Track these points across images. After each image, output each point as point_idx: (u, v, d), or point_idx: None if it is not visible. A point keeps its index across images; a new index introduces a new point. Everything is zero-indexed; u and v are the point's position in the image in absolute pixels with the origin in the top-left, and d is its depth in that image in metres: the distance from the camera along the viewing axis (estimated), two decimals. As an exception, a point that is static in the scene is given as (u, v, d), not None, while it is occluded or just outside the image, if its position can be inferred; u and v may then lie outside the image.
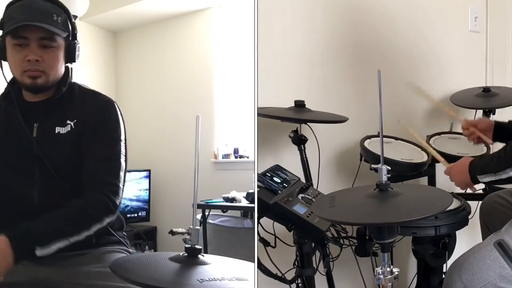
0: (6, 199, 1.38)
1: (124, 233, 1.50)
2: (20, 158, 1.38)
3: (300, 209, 1.45)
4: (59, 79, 1.42)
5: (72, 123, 1.38)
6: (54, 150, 1.37)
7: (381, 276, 1.17)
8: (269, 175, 1.50)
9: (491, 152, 2.02)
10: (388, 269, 1.17)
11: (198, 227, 1.12)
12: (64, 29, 1.38)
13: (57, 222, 1.25)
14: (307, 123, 1.81)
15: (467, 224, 1.65)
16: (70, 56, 1.42)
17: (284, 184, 1.50)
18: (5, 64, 1.41)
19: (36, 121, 1.39)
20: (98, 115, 1.40)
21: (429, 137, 2.05)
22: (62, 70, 1.42)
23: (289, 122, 1.80)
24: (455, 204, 1.66)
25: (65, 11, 1.40)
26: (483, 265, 1.29)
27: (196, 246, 1.10)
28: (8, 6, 1.38)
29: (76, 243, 1.25)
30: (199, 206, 2.89)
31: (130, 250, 1.50)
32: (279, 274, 1.57)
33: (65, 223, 1.25)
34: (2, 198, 1.38)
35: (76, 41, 1.43)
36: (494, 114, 2.23)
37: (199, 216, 2.96)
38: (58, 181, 1.35)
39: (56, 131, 1.38)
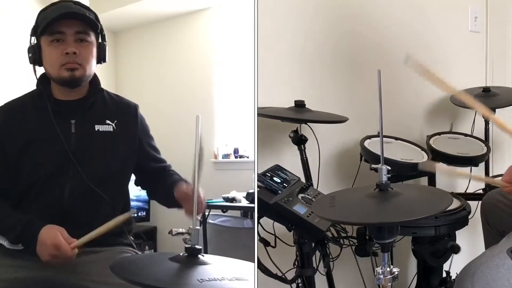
0: (38, 190, 1.42)
1: (131, 237, 1.54)
2: (56, 153, 1.42)
3: (300, 209, 1.45)
4: (92, 80, 1.50)
5: (113, 124, 1.49)
6: (93, 146, 1.45)
7: (381, 276, 1.17)
8: (269, 175, 1.50)
9: (491, 152, 2.02)
10: (388, 269, 1.17)
11: (198, 227, 1.12)
12: (95, 25, 1.46)
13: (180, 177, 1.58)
14: (307, 123, 1.81)
15: (467, 224, 1.65)
16: (102, 56, 1.51)
17: (284, 184, 1.50)
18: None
19: (72, 118, 1.45)
20: (136, 118, 1.56)
21: (429, 137, 2.05)
22: (94, 67, 1.49)
23: (289, 122, 1.80)
24: (455, 204, 1.66)
25: (94, 12, 1.48)
26: (496, 275, 1.27)
27: (196, 246, 1.10)
28: (41, 12, 1.46)
29: (91, 241, 1.36)
30: (199, 206, 2.88)
31: (139, 252, 1.52)
32: (279, 274, 1.57)
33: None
34: (34, 189, 1.42)
35: (105, 42, 1.51)
36: (494, 114, 2.23)
37: (199, 216, 2.95)
38: (89, 178, 1.41)
39: (96, 129, 1.47)
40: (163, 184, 1.56)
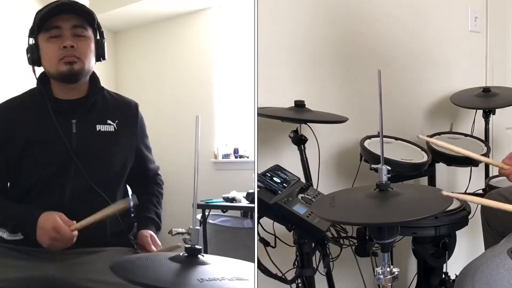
0: (39, 190, 1.42)
1: (131, 236, 1.54)
2: (57, 153, 1.42)
3: (300, 209, 1.45)
4: (91, 78, 1.50)
5: (114, 124, 1.49)
6: (94, 146, 1.45)
7: (381, 276, 1.17)
8: (269, 175, 1.49)
9: (491, 152, 2.02)
10: (388, 269, 1.17)
11: (198, 227, 1.12)
12: (92, 18, 1.47)
13: (157, 208, 1.60)
14: (307, 123, 1.81)
15: (467, 224, 1.65)
16: (101, 52, 1.51)
17: (284, 184, 1.50)
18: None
19: (73, 118, 1.45)
20: (136, 117, 1.57)
21: (429, 137, 2.05)
22: (93, 63, 1.49)
23: (289, 122, 1.80)
24: (455, 204, 1.66)
25: (91, 10, 1.48)
26: (497, 275, 1.27)
27: (196, 246, 1.10)
28: (37, 13, 1.46)
29: (91, 241, 1.40)
30: (199, 206, 2.89)
31: (139, 252, 1.52)
32: (279, 274, 1.57)
33: (160, 207, 1.61)
34: (35, 189, 1.42)
35: (103, 39, 1.52)
36: (494, 114, 2.23)
37: (199, 216, 2.95)
38: (90, 178, 1.42)
39: (98, 129, 1.46)
40: (140, 198, 1.58)
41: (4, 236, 1.43)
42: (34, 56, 1.45)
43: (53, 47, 1.42)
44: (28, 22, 1.50)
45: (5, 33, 3.13)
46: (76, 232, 1.33)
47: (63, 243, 1.32)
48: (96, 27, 1.49)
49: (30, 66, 1.49)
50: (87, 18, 1.45)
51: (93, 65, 1.50)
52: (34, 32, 1.45)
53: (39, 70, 1.50)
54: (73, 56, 1.42)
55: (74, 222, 1.34)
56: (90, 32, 1.47)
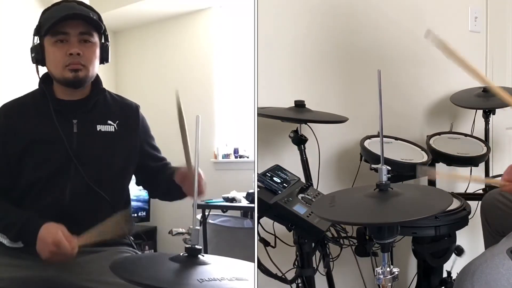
0: (39, 190, 1.42)
1: (131, 237, 1.54)
2: (58, 153, 1.42)
3: (300, 209, 1.45)
4: (94, 80, 1.50)
5: (115, 124, 1.49)
6: (94, 146, 1.45)
7: (381, 276, 1.17)
8: (269, 175, 1.50)
9: (491, 152, 2.02)
10: (388, 269, 1.17)
11: (198, 227, 1.12)
12: (99, 26, 1.46)
13: None
14: (307, 123, 1.82)
15: (467, 224, 1.65)
16: (104, 56, 1.51)
17: (284, 184, 1.50)
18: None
19: (74, 118, 1.45)
20: (137, 118, 1.57)
21: (429, 137, 2.05)
22: (97, 67, 1.49)
23: (289, 122, 1.80)
24: (455, 204, 1.66)
25: (97, 13, 1.48)
26: (496, 274, 1.27)
27: (196, 246, 1.10)
28: (45, 11, 1.46)
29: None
30: (199, 206, 2.89)
31: (139, 252, 1.53)
32: (279, 274, 1.57)
33: None
34: (35, 189, 1.42)
35: (108, 42, 1.51)
36: (494, 114, 2.23)
37: (199, 216, 2.96)
38: (90, 178, 1.42)
39: (98, 129, 1.46)
40: (163, 178, 1.56)
41: (4, 242, 1.43)
42: (38, 57, 1.45)
43: (59, 52, 1.42)
44: (29, 20, 1.50)
45: (8, 34, 3.13)
46: (76, 249, 1.31)
47: (62, 257, 1.31)
48: (102, 32, 1.49)
49: (34, 65, 1.49)
50: (95, 25, 1.45)
51: (97, 69, 1.50)
52: (39, 32, 1.45)
53: (42, 69, 1.50)
54: (79, 64, 1.42)
55: (75, 238, 1.32)
56: (96, 38, 1.47)
